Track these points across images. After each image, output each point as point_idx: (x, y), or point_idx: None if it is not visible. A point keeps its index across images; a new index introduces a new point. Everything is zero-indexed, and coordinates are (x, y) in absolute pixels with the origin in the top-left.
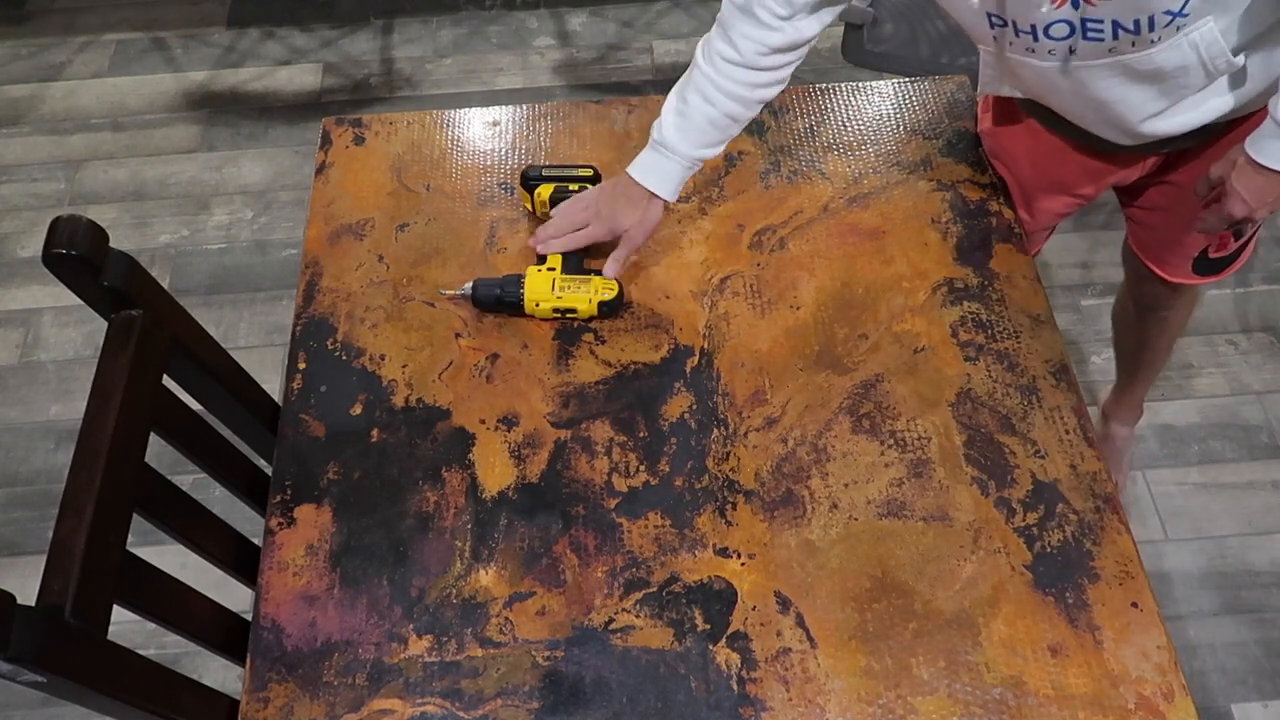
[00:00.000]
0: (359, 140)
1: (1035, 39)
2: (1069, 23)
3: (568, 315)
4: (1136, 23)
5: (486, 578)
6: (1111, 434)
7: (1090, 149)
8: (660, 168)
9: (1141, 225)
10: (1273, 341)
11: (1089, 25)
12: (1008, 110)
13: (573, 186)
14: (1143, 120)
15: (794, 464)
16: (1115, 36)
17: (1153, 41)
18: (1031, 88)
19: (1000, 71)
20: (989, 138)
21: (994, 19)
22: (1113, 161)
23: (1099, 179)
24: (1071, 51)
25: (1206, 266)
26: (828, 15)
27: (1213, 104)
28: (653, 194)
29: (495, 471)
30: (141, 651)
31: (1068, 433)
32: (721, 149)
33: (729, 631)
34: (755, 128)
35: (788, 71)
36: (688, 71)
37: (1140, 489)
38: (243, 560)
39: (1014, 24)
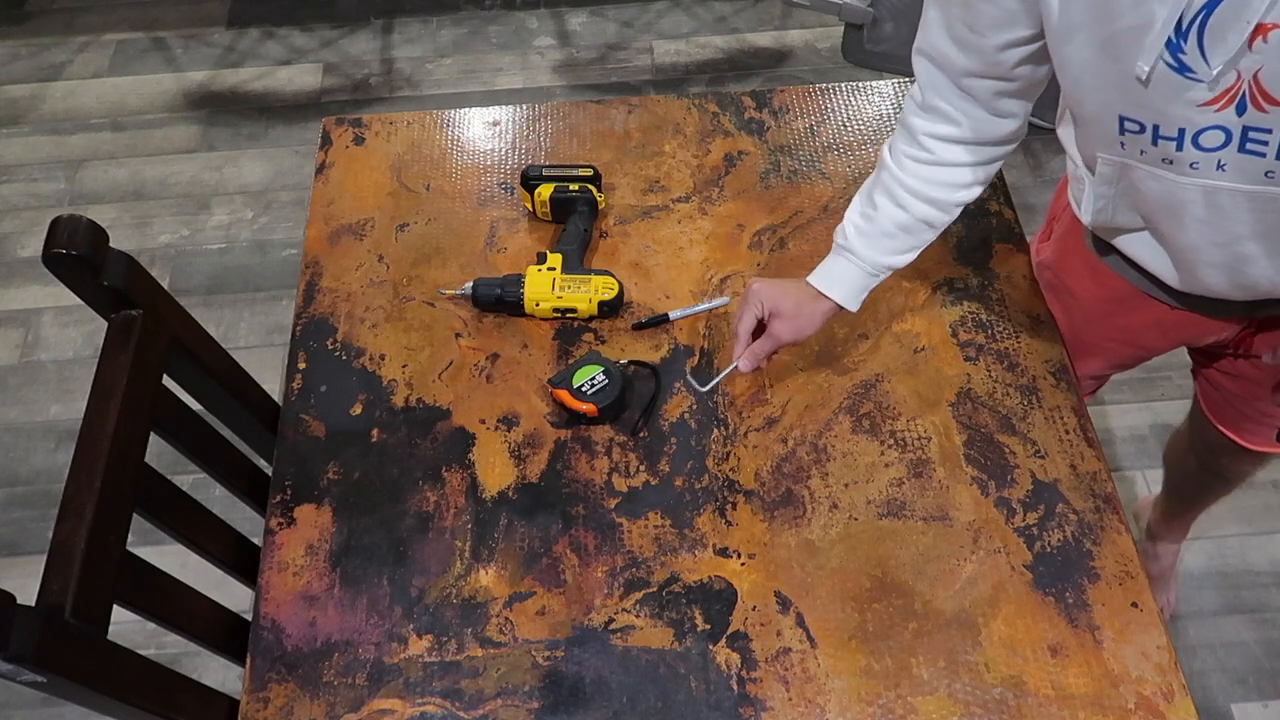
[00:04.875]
0: (359, 140)
1: (1179, 148)
2: (1225, 130)
3: (568, 315)
4: None
5: (486, 578)
6: (1158, 553)
7: (1173, 302)
8: (846, 276)
9: (1218, 390)
10: None
11: (1251, 135)
12: (1075, 247)
13: (573, 187)
14: (1271, 274)
15: (794, 464)
16: None
17: None
18: (1152, 208)
19: (1119, 190)
20: (1049, 270)
21: (1127, 123)
22: (1196, 320)
23: (1173, 334)
24: (1219, 167)
25: None
26: (1015, 106)
27: None
28: (824, 296)
29: (495, 471)
30: (141, 651)
31: (1068, 433)
32: (914, 255)
33: (729, 631)
34: (755, 128)
35: (985, 172)
36: (874, 172)
37: (1140, 489)
38: (243, 560)
39: (1155, 129)
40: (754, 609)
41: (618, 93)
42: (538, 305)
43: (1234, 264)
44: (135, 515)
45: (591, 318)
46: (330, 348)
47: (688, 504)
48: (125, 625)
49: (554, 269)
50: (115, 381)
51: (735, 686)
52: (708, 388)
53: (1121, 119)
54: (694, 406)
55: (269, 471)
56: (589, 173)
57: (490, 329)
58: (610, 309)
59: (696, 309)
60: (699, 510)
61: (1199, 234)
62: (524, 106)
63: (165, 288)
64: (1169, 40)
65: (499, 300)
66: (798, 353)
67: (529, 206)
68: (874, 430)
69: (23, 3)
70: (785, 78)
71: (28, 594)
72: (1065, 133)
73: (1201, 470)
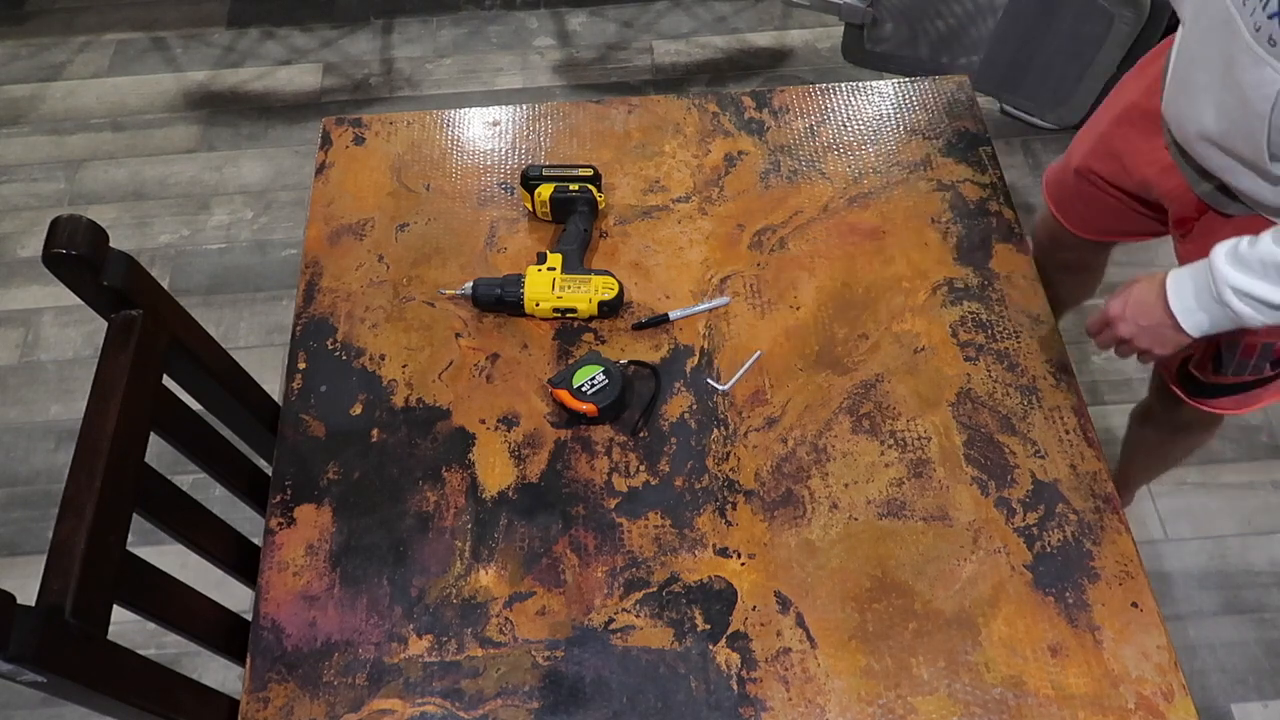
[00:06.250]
0: (359, 140)
1: None
2: None
3: (568, 315)
4: None
5: (486, 578)
6: None
7: (1168, 139)
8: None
9: None
10: None
11: None
12: (1158, 56)
13: (573, 187)
14: (1205, 121)
15: (794, 464)
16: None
17: (1273, 40)
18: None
19: None
20: (1133, 73)
21: None
22: (1171, 171)
23: (1152, 171)
24: None
25: (1188, 382)
26: None
27: (1251, 185)
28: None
29: (495, 471)
30: (141, 651)
31: (1068, 433)
32: None
33: (729, 631)
34: (755, 128)
35: None
36: None
37: (1140, 489)
38: (243, 560)
39: None
40: (754, 609)
41: (618, 93)
42: (538, 305)
43: (1186, 91)
44: (135, 515)
45: (591, 318)
46: (330, 348)
47: (688, 504)
48: (125, 625)
49: (554, 269)
50: (115, 381)
51: (735, 686)
52: (728, 385)
53: None
54: (694, 406)
55: (269, 471)
56: (589, 173)
57: (490, 329)
58: (610, 309)
59: (696, 309)
60: (699, 510)
61: (1185, 40)
62: (524, 106)
63: (165, 288)
64: None
65: (499, 300)
66: (798, 352)
67: (529, 206)
68: (874, 430)
69: (23, 3)
70: (785, 78)
71: (28, 594)
72: None
73: (1140, 423)
